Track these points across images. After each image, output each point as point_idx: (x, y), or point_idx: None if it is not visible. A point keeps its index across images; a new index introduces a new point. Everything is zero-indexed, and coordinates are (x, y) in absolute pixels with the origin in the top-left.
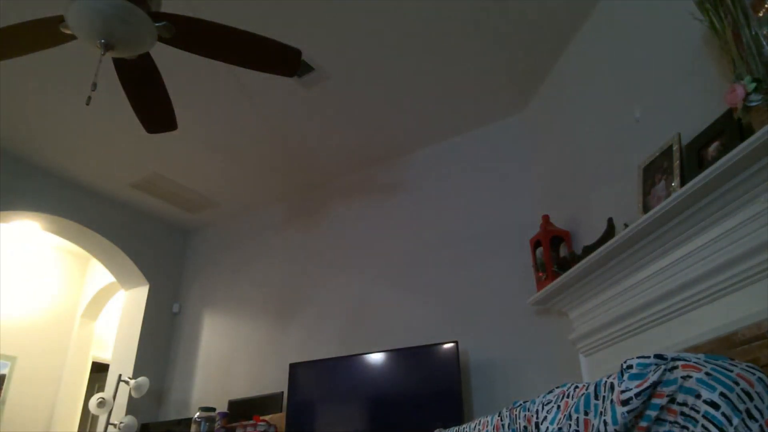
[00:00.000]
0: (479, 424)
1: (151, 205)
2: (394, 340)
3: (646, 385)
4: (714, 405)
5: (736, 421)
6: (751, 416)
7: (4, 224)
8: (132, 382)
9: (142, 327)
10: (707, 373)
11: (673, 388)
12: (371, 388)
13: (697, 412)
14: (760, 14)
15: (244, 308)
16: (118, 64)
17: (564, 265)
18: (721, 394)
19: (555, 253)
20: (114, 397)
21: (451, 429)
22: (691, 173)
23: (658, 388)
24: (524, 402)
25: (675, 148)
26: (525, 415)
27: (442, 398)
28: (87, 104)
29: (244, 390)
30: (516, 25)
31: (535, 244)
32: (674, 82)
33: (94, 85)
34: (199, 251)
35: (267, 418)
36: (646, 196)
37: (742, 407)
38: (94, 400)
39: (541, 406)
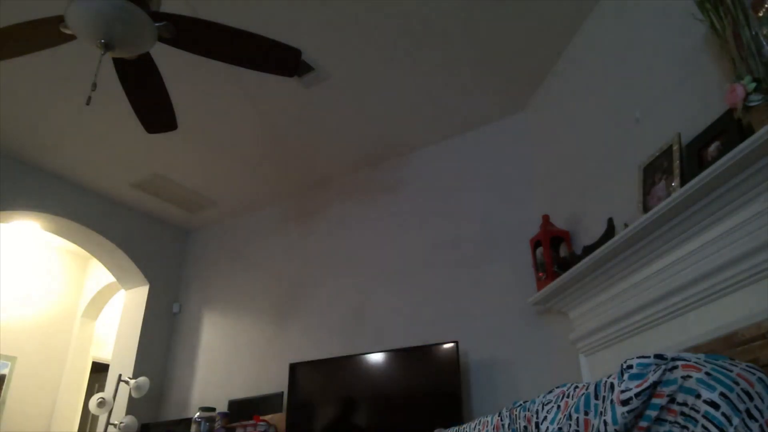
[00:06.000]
0: (479, 424)
1: (151, 205)
2: (394, 340)
3: (646, 385)
4: (714, 405)
5: (736, 421)
6: (751, 416)
7: (4, 224)
8: (132, 382)
9: (142, 327)
10: (707, 373)
11: (673, 388)
12: (371, 388)
13: (697, 412)
14: (760, 14)
15: (244, 308)
16: (118, 64)
17: (564, 265)
18: (721, 394)
19: (555, 253)
20: (114, 397)
21: (451, 429)
22: (691, 173)
23: (658, 388)
24: (524, 402)
25: (675, 148)
26: (525, 415)
27: (442, 398)
28: (87, 104)
29: (244, 390)
30: (516, 25)
31: (535, 244)
32: (674, 82)
33: (94, 85)
34: (199, 251)
35: (267, 418)
36: (646, 196)
37: (742, 407)
38: (94, 400)
39: (541, 406)
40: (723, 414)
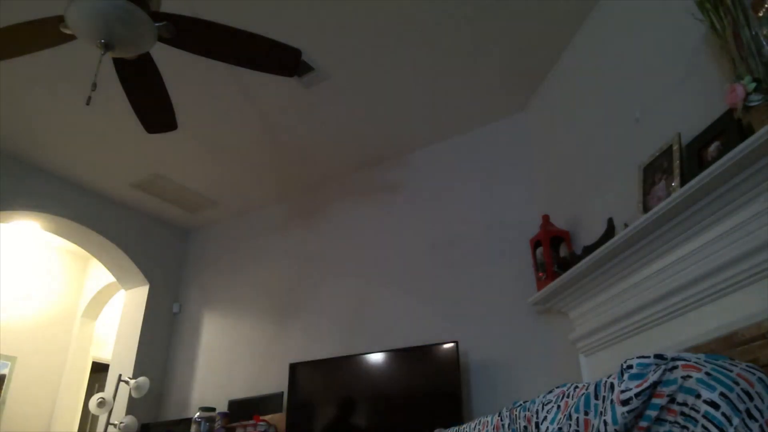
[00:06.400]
0: (479, 424)
1: (151, 205)
2: (394, 340)
3: (646, 385)
4: (714, 405)
5: (736, 421)
6: (751, 416)
7: (4, 224)
8: (132, 382)
9: (142, 327)
10: (707, 373)
11: (673, 388)
12: (371, 388)
13: (697, 412)
14: (760, 14)
15: (244, 308)
16: (118, 64)
17: (564, 265)
18: (721, 394)
19: (555, 253)
20: (114, 397)
21: (451, 429)
22: (691, 173)
23: (658, 388)
24: (524, 402)
25: (675, 148)
26: (525, 415)
27: (442, 398)
28: (87, 104)
29: (244, 390)
30: (516, 25)
31: (535, 244)
32: (674, 82)
33: (94, 85)
34: (199, 251)
35: (267, 418)
36: (646, 196)
37: (742, 407)
38: (94, 400)
39: (541, 406)
40: (723, 414)
